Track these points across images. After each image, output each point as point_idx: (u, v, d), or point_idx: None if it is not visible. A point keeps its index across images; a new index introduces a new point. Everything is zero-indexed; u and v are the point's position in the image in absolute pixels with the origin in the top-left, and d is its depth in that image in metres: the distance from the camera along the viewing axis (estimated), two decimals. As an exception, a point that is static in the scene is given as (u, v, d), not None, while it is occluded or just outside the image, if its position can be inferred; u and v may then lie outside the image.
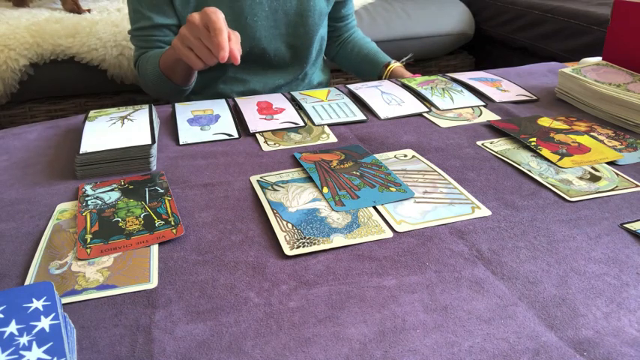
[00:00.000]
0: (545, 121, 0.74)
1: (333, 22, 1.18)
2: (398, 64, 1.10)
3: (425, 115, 0.79)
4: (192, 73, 0.92)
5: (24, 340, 0.32)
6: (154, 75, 0.93)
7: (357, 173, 0.60)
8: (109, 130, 0.68)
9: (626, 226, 0.51)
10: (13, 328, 0.32)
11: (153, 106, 0.77)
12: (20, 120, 1.46)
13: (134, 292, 0.43)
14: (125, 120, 0.71)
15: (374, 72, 1.13)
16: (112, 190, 0.57)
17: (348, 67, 1.24)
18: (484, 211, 0.53)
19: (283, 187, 0.58)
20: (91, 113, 0.75)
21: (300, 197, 0.56)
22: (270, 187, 0.58)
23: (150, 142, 0.64)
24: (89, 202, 0.54)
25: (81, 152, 0.62)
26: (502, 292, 0.43)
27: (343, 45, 1.21)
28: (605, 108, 0.77)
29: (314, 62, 1.12)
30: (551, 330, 0.39)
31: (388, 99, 0.84)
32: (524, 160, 0.64)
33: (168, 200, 0.55)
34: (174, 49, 0.78)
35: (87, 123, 0.70)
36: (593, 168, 0.62)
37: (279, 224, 0.51)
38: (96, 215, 0.52)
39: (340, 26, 1.19)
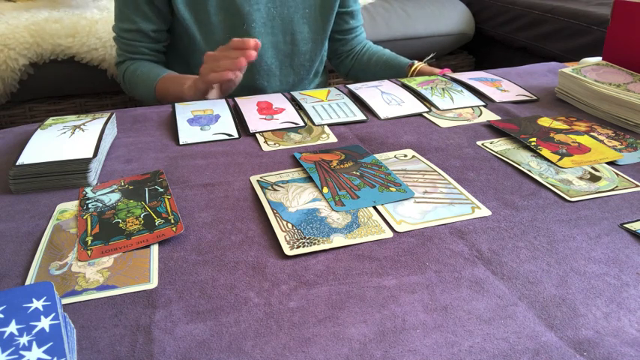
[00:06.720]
0: (545, 121, 0.74)
1: (343, 35, 1.15)
2: (422, 63, 1.08)
3: (425, 115, 0.79)
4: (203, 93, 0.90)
5: (24, 340, 0.32)
6: (147, 96, 0.98)
7: (357, 173, 0.60)
8: (55, 141, 0.63)
9: (626, 226, 0.51)
10: (13, 328, 0.32)
11: (114, 116, 0.73)
12: (20, 120, 1.46)
13: (134, 292, 0.43)
14: (77, 130, 0.66)
15: (399, 76, 1.11)
16: (112, 191, 0.57)
17: (366, 77, 1.19)
18: (484, 211, 0.53)
19: (283, 187, 0.58)
20: (49, 120, 0.71)
21: (300, 197, 0.56)
22: (270, 187, 0.58)
23: (91, 155, 0.60)
24: (90, 205, 0.54)
25: (17, 164, 0.58)
26: (502, 292, 0.43)
27: (358, 57, 1.18)
28: (605, 108, 0.77)
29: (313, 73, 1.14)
30: (551, 330, 0.39)
31: (388, 99, 0.84)
32: (524, 160, 0.64)
33: (168, 199, 0.55)
34: (205, 83, 0.84)
35: (37, 131, 0.66)
36: (593, 168, 0.62)
37: (279, 224, 0.51)
38: (96, 218, 0.52)
39: (350, 39, 1.17)
